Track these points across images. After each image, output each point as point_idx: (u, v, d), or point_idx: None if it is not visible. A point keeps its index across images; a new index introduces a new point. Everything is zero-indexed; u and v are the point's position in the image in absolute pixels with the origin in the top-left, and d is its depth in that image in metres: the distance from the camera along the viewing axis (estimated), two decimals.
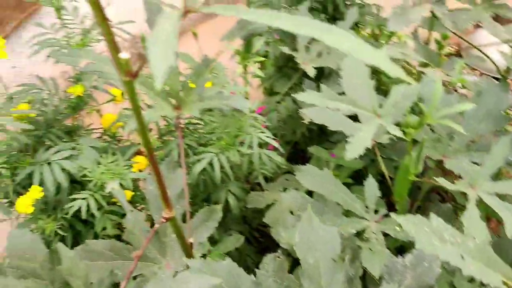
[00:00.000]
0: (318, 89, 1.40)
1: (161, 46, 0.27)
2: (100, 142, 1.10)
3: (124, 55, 0.46)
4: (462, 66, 1.10)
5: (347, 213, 1.15)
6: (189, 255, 0.73)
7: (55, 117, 1.11)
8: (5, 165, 0.93)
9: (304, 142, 1.71)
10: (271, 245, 1.62)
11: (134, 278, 0.90)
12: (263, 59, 1.16)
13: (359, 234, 0.97)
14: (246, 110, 0.74)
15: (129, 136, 1.34)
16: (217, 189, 1.25)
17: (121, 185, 1.02)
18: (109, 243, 0.91)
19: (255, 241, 1.64)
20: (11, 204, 1.12)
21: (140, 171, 1.16)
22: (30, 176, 1.02)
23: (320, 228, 0.70)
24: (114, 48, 0.46)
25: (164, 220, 0.63)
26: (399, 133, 0.84)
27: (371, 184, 1.02)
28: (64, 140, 1.11)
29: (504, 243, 1.10)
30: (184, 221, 0.97)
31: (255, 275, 1.09)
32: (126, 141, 1.33)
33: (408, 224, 0.83)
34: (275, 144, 1.08)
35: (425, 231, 0.79)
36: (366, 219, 0.99)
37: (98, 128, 1.25)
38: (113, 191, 0.99)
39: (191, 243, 0.72)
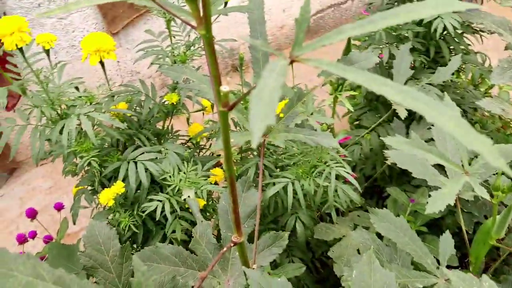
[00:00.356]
0: (407, 130, 1.36)
1: (263, 105, 0.28)
2: (184, 149, 1.14)
3: (225, 88, 0.48)
4: None
5: (416, 265, 1.11)
6: None
7: (147, 119, 1.17)
8: (96, 158, 1.00)
9: (383, 180, 1.67)
10: (331, 278, 1.60)
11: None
12: (355, 93, 1.15)
13: None
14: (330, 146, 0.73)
15: (210, 145, 1.39)
16: (286, 214, 1.25)
17: (196, 194, 1.06)
18: (175, 249, 0.94)
19: (315, 270, 1.62)
20: (95, 193, 1.20)
21: (216, 183, 1.19)
22: (116, 170, 1.09)
23: (379, 271, 0.69)
24: (217, 81, 0.48)
25: (232, 245, 0.65)
26: (486, 196, 0.80)
27: (447, 240, 0.98)
28: (152, 142, 1.16)
29: None
30: (250, 241, 0.99)
31: None
32: (207, 150, 1.37)
33: (458, 281, 0.79)
34: (353, 180, 1.06)
35: None
36: (435, 276, 0.95)
37: (184, 135, 1.30)
38: (188, 200, 1.03)
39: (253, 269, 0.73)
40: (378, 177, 1.65)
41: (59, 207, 1.33)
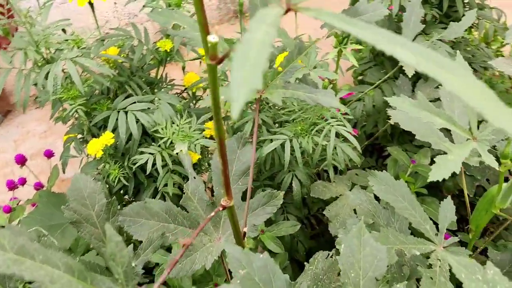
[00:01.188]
0: (413, 88, 1.30)
1: (248, 65, 0.23)
2: (178, 100, 1.09)
3: (213, 38, 0.42)
4: None
5: (414, 229, 1.08)
6: (239, 242, 0.70)
7: (140, 66, 1.11)
8: (83, 106, 0.94)
9: (384, 138, 1.62)
10: (326, 234, 1.58)
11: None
12: (360, 47, 1.08)
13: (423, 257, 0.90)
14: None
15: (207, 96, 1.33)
16: (283, 171, 1.21)
17: (189, 148, 1.01)
18: (165, 205, 0.90)
19: (310, 226, 1.60)
20: (85, 142, 1.16)
21: (212, 137, 1.14)
22: (105, 120, 1.04)
23: (369, 245, 0.65)
24: (204, 29, 0.42)
25: (221, 209, 0.60)
26: (495, 165, 0.75)
27: (448, 207, 0.94)
28: (145, 91, 1.10)
29: None
30: (244, 199, 0.95)
31: (301, 263, 1.06)
32: (203, 101, 1.32)
33: (459, 267, 0.75)
34: (353, 140, 1.02)
35: (477, 279, 0.71)
36: (433, 243, 0.92)
37: (179, 85, 1.24)
38: (180, 154, 0.98)
39: (244, 233, 0.69)
40: (379, 135, 1.60)
41: (49, 154, 1.29)
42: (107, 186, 1.11)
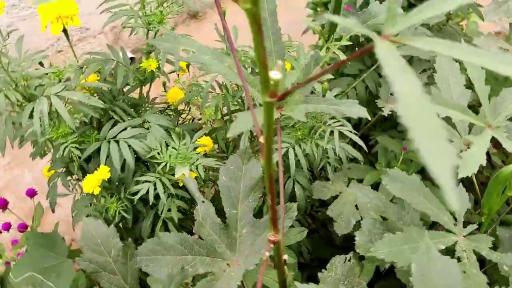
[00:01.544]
0: None
1: (434, 140, 0.19)
2: (168, 120, 1.03)
3: (275, 74, 0.37)
4: None
5: (425, 220, 1.07)
6: (282, 274, 0.66)
7: (121, 89, 1.04)
8: (76, 143, 0.87)
9: (367, 127, 1.62)
10: (321, 230, 1.56)
11: (204, 276, 0.86)
12: (348, 43, 1.05)
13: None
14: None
15: (189, 110, 1.28)
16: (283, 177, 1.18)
17: (191, 170, 0.96)
18: (180, 237, 0.85)
19: (307, 225, 1.58)
20: (69, 173, 1.08)
21: (206, 154, 1.09)
22: (95, 151, 0.97)
23: (439, 261, 0.63)
24: (264, 65, 0.38)
25: (272, 245, 0.56)
26: None
27: (461, 195, 0.93)
28: (130, 114, 1.04)
29: None
30: (257, 216, 0.92)
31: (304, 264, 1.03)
32: (186, 114, 1.26)
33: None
34: (359, 140, 0.99)
35: None
36: (454, 233, 0.91)
37: (160, 102, 1.18)
38: (184, 179, 0.93)
39: (285, 260, 0.65)
40: (362, 126, 1.59)
41: (31, 193, 1.19)
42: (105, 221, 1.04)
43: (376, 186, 1.35)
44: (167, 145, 0.99)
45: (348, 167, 1.39)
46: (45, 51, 0.92)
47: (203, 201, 0.92)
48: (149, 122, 1.02)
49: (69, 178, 1.10)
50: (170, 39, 0.61)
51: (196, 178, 0.98)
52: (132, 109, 1.06)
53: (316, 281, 1.01)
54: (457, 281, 0.61)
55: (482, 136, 0.76)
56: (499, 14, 1.14)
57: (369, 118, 0.66)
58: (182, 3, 0.93)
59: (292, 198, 1.19)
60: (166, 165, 0.96)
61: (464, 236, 0.92)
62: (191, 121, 1.30)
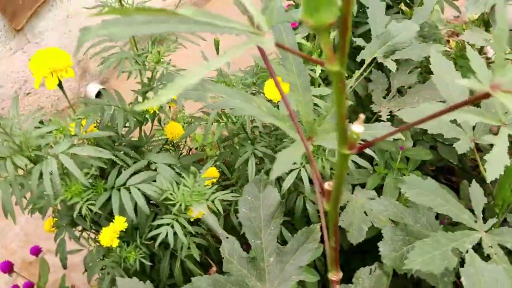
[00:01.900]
0: (388, 79, 1.30)
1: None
2: (174, 158, 1.00)
3: (357, 128, 0.36)
4: None
5: (440, 219, 1.08)
6: None
7: (120, 133, 1.01)
8: (91, 201, 0.84)
9: None
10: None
11: None
12: None
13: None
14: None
15: (185, 142, 1.25)
16: (292, 195, 1.17)
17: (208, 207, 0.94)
18: (212, 279, 0.83)
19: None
20: (74, 224, 1.04)
21: (213, 184, 1.07)
22: (106, 201, 0.93)
23: (486, 270, 0.63)
24: (343, 119, 0.37)
25: (336, 286, 0.55)
26: None
27: (476, 191, 0.95)
28: (133, 157, 1.01)
29: None
30: (281, 243, 0.90)
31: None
32: (183, 147, 1.24)
33: None
34: (371, 152, 0.99)
35: None
36: (476, 230, 0.92)
37: (159, 139, 1.15)
38: (204, 217, 0.91)
39: None
40: None
41: (36, 251, 1.14)
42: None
43: (378, 188, 1.36)
44: (177, 184, 0.96)
45: (346, 172, 1.39)
46: (18, 94, 0.87)
47: (227, 237, 0.90)
48: (154, 162, 0.99)
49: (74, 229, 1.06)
50: (198, 87, 0.59)
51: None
52: (134, 151, 1.03)
53: None
54: (507, 283, 0.61)
55: (500, 136, 0.78)
56: (479, 8, 1.17)
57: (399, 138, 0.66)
58: (176, 39, 0.91)
59: (304, 213, 1.19)
60: (181, 205, 0.93)
61: (486, 232, 0.93)
62: (188, 151, 1.28)
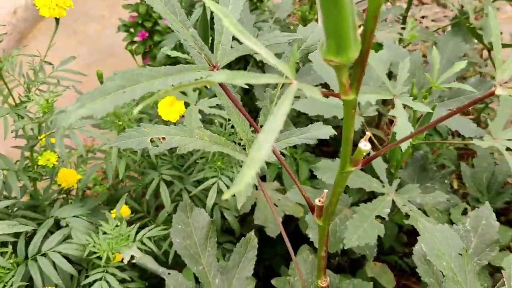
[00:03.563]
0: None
1: None
2: (83, 209, 0.92)
3: (364, 145, 0.38)
4: (413, 23, 1.15)
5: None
6: None
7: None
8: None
9: None
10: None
11: None
12: None
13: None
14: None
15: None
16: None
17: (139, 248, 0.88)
18: None
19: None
20: None
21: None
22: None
23: (438, 232, 0.70)
24: (350, 142, 0.37)
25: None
26: (428, 109, 0.86)
27: (377, 161, 1.04)
28: (36, 219, 0.90)
29: None
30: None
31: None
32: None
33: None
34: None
35: None
36: (387, 194, 1.01)
37: (55, 191, 1.04)
38: (139, 261, 0.85)
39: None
40: None
41: None
42: None
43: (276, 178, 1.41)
44: (96, 233, 0.89)
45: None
46: None
47: (169, 273, 0.86)
48: (63, 218, 0.90)
49: None
50: (134, 135, 0.55)
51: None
52: (34, 212, 0.92)
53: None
54: (458, 241, 0.69)
55: (397, 107, 0.86)
56: None
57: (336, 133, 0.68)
58: (58, 81, 0.82)
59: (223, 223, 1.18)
60: (108, 256, 0.86)
61: (395, 193, 1.03)
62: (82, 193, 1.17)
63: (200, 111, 0.96)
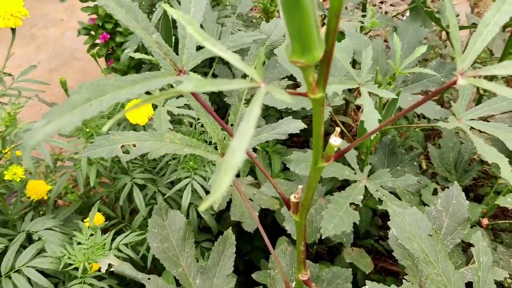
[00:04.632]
0: (231, 71, 1.33)
1: None
2: (55, 220, 0.90)
3: (335, 141, 0.38)
4: (373, 10, 1.16)
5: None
6: None
7: None
8: None
9: None
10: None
11: None
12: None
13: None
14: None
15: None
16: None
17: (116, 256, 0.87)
18: None
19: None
20: None
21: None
22: None
23: (408, 215, 0.71)
24: (320, 137, 0.38)
25: (311, 284, 0.57)
26: (393, 95, 0.87)
27: (352, 155, 1.06)
28: (6, 234, 0.88)
29: None
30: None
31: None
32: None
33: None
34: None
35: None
36: (359, 181, 1.03)
37: (25, 205, 1.01)
38: (117, 269, 0.84)
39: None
40: None
41: None
42: None
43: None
44: (71, 244, 0.87)
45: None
46: None
47: (149, 278, 0.86)
48: (35, 231, 0.88)
49: None
50: (104, 143, 0.54)
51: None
52: (3, 228, 0.90)
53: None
54: (427, 223, 0.71)
55: (363, 95, 0.87)
56: None
57: (306, 127, 0.69)
58: (20, 93, 0.80)
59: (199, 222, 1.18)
60: (85, 267, 0.85)
61: (367, 179, 1.04)
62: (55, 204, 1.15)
63: (169, 112, 0.95)
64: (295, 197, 0.47)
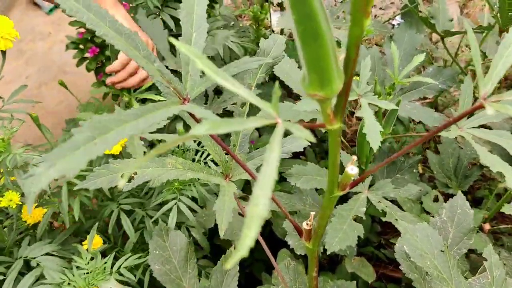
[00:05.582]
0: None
1: None
2: (52, 245, 0.88)
3: (352, 169, 0.36)
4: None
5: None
6: None
7: None
8: None
9: None
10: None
11: None
12: None
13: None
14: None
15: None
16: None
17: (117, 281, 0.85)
18: None
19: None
20: None
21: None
22: None
23: (418, 231, 0.70)
24: (336, 167, 0.36)
25: None
26: (393, 106, 0.86)
27: (345, 156, 1.04)
28: (1, 261, 0.86)
29: None
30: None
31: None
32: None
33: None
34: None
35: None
36: (361, 192, 1.02)
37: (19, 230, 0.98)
38: None
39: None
40: None
41: None
42: None
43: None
44: (71, 269, 0.85)
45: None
46: None
47: None
48: (33, 258, 0.86)
49: None
50: (103, 173, 0.52)
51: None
52: (2, 255, 0.87)
53: None
54: (439, 239, 0.69)
55: (363, 107, 0.85)
56: None
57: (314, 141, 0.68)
58: (12, 116, 0.78)
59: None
60: None
61: (368, 190, 1.03)
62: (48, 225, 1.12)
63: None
64: (307, 224, 0.45)
